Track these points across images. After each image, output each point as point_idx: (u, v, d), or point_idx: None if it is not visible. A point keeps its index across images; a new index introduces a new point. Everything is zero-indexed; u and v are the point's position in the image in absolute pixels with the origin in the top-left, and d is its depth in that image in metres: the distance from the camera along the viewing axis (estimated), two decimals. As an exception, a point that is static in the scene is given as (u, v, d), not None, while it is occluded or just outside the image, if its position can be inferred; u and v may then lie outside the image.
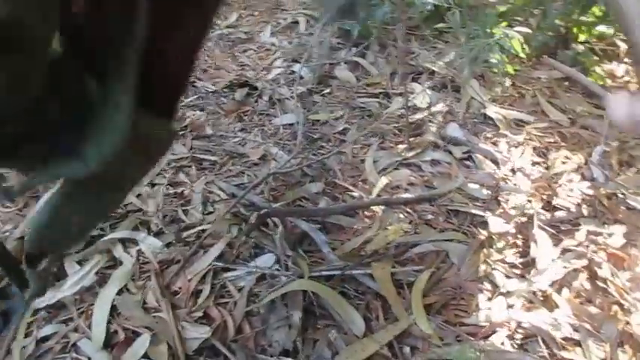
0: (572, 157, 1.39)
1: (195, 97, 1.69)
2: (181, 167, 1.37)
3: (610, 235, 1.16)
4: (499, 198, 1.27)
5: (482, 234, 1.14)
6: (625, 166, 1.40)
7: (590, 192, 1.27)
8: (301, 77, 1.74)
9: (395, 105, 1.61)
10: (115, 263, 1.09)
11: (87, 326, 0.95)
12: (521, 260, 1.10)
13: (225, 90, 1.73)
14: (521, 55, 1.71)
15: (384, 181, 1.30)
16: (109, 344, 0.93)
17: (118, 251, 1.11)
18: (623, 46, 1.85)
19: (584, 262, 1.08)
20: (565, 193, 1.28)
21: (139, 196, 1.26)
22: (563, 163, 1.37)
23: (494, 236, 1.14)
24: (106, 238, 1.12)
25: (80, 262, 1.08)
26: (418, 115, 1.55)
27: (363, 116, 1.58)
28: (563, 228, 1.19)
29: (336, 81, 1.75)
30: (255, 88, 1.72)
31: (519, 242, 1.15)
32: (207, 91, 1.71)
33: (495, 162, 1.38)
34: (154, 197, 1.26)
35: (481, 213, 1.21)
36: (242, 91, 1.69)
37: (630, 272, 1.07)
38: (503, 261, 1.09)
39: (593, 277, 1.06)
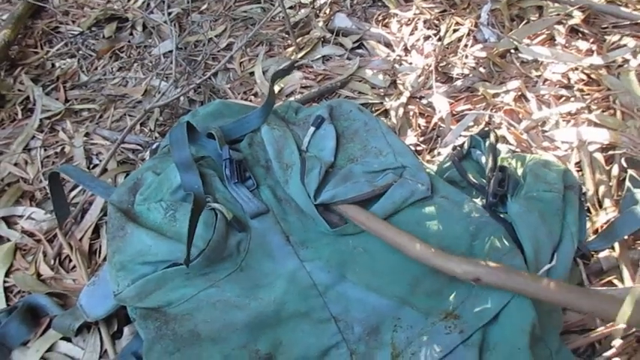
0: (464, 23, 1.35)
1: (61, 43, 1.51)
2: (56, 123, 1.23)
3: (507, 92, 1.15)
4: (397, 81, 1.22)
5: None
6: (517, 20, 1.37)
7: (483, 54, 1.24)
8: (173, -3, 1.57)
9: (279, 7, 1.49)
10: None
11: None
12: (422, 138, 1.08)
13: (92, 29, 1.55)
14: None
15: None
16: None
17: (3, 229, 1.01)
18: None
19: (482, 125, 1.07)
20: (460, 61, 1.25)
21: (16, 164, 1.14)
22: (455, 30, 1.33)
23: (394, 119, 1.11)
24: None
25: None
26: (303, 12, 1.45)
27: (247, 26, 1.47)
28: (461, 96, 1.17)
29: (212, -6, 1.60)
30: (126, 20, 1.55)
31: (422, 122, 1.12)
32: (73, 35, 1.53)
33: (388, 45, 1.32)
34: (32, 163, 1.14)
35: (379, 101, 1.17)
36: (111, 27, 1.52)
37: (526, 121, 1.07)
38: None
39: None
